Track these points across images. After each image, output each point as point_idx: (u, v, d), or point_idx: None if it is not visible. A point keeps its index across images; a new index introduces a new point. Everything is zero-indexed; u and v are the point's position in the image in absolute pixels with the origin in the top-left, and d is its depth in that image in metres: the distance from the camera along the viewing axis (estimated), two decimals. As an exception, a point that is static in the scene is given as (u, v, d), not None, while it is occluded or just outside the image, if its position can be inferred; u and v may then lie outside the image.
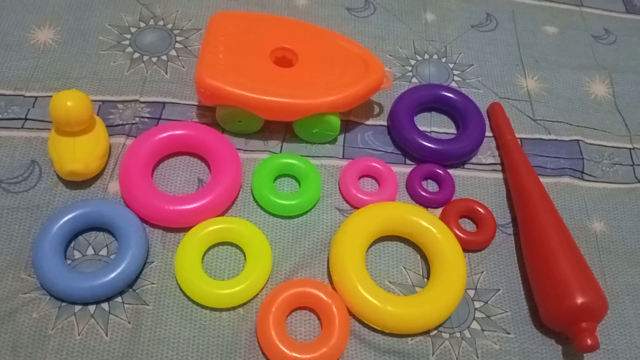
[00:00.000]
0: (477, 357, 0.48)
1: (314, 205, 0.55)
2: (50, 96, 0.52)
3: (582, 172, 0.61)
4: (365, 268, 0.49)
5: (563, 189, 0.60)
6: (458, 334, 0.49)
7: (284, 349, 0.45)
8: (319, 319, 0.49)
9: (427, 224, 0.52)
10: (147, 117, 0.59)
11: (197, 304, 0.48)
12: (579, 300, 0.46)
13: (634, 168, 0.63)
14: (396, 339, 0.48)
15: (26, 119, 0.57)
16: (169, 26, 0.67)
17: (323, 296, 0.47)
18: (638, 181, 0.62)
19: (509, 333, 0.50)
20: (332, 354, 0.45)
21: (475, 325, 0.50)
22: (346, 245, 0.50)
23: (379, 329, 0.48)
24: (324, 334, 0.47)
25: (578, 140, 0.64)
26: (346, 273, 0.48)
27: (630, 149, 0.65)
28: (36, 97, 0.59)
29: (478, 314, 0.50)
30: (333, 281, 0.50)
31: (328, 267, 0.51)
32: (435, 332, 0.49)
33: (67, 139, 0.52)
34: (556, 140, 0.64)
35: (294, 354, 0.44)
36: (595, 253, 0.56)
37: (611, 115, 0.68)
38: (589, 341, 0.46)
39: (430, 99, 0.63)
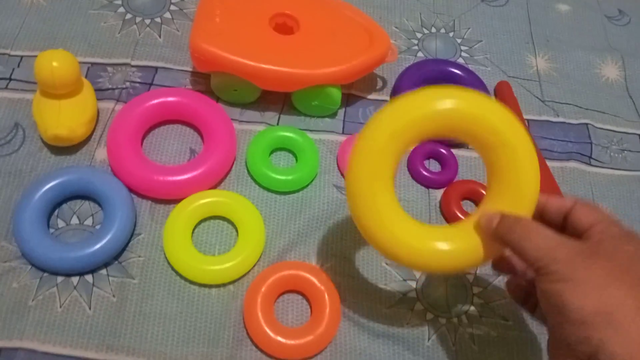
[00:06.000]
0: (474, 344, 0.47)
1: (311, 181, 0.53)
2: (37, 56, 0.50)
3: (590, 157, 0.59)
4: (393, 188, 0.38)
5: (569, 173, 0.57)
6: (455, 320, 0.48)
7: (270, 333, 0.43)
8: (310, 304, 0.47)
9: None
10: (138, 82, 0.56)
11: (186, 280, 0.46)
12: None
13: (643, 155, 0.61)
14: (391, 323, 0.47)
15: (10, 79, 0.55)
16: (165, -13, 0.64)
17: (316, 282, 0.45)
18: (647, 169, 0.60)
19: (507, 320, 0.48)
20: (319, 342, 0.44)
21: (473, 311, 0.48)
22: (375, 147, 0.36)
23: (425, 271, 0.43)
24: (313, 321, 0.45)
25: (587, 124, 0.61)
26: (373, 208, 0.36)
27: (640, 135, 0.62)
28: (22, 57, 0.56)
29: (476, 300, 0.49)
30: (351, 210, 0.39)
31: (323, 246, 0.49)
32: (432, 317, 0.47)
33: (52, 102, 0.49)
34: (564, 123, 0.61)
35: (278, 338, 0.43)
36: (599, 241, 0.54)
37: (622, 100, 0.65)
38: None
39: (436, 75, 0.60)
